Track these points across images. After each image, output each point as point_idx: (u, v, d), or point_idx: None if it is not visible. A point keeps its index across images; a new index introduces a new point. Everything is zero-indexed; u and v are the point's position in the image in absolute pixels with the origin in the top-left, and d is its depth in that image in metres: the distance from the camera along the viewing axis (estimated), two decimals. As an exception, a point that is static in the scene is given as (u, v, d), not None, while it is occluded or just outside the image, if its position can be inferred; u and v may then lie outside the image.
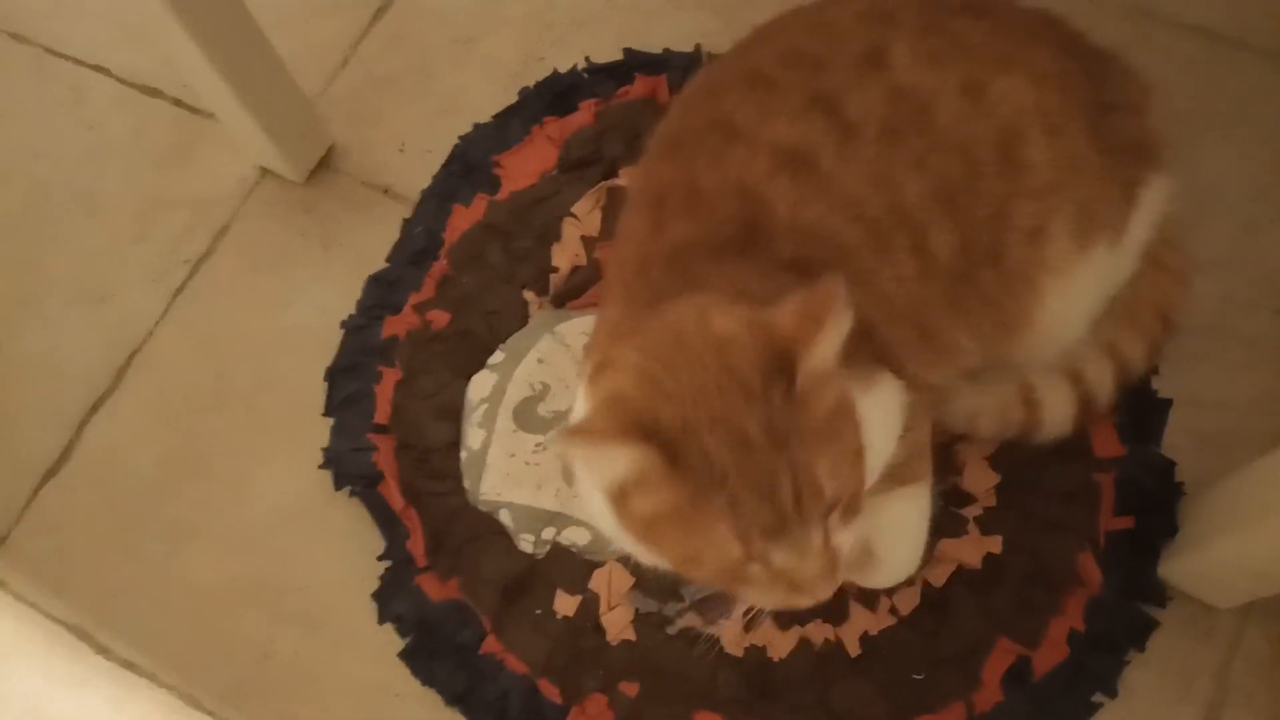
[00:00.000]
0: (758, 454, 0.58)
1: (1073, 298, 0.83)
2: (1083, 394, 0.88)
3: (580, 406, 0.70)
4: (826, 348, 0.59)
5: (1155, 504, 0.91)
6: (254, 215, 1.16)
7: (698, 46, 1.14)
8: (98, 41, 1.27)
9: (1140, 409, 0.94)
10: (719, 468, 0.58)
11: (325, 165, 1.16)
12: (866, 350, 0.70)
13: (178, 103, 1.23)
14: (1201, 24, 1.11)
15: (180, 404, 1.08)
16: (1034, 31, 0.82)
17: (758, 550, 0.60)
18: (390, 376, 1.03)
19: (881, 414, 0.73)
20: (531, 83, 1.16)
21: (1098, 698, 0.87)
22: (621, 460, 0.59)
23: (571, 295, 1.04)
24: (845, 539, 0.63)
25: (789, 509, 0.59)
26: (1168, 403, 0.94)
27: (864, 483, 0.64)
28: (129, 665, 0.97)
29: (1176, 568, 0.88)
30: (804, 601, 0.63)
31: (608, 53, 1.16)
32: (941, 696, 0.87)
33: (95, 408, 1.09)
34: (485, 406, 1.00)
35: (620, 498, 0.62)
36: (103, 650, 0.98)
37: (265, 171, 1.17)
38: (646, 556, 0.67)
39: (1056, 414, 0.88)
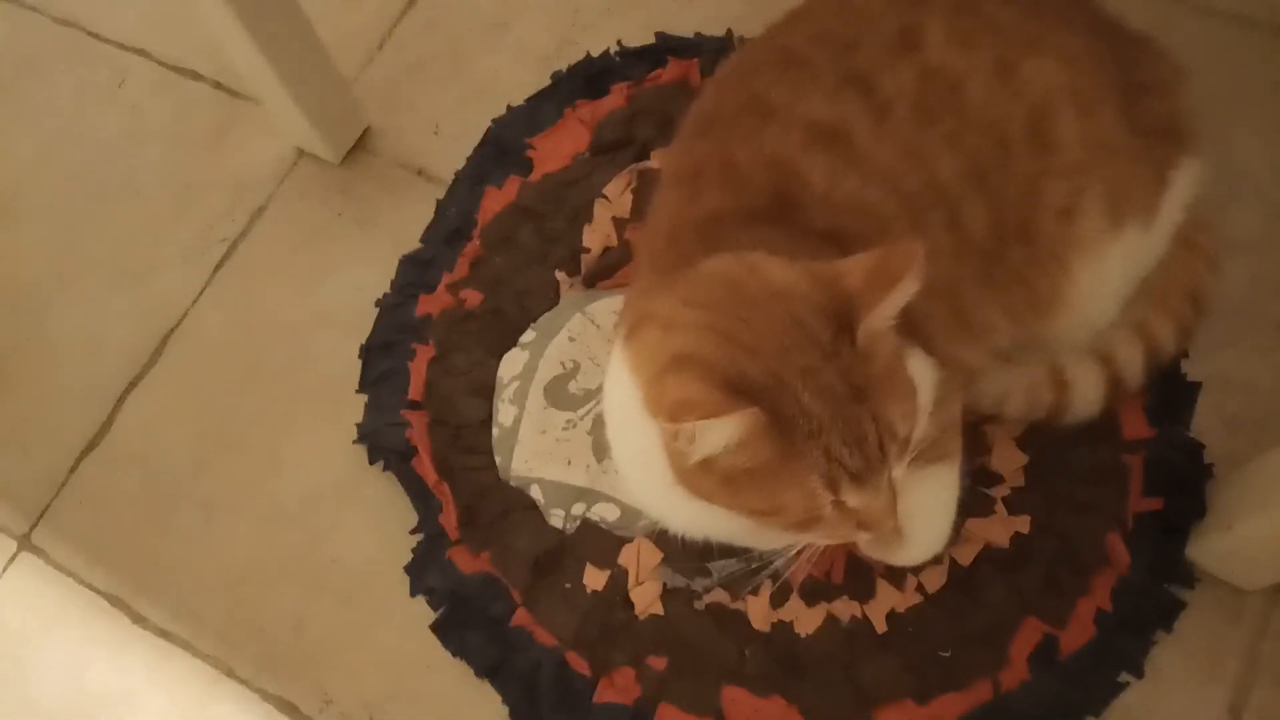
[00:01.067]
0: (845, 405, 0.60)
1: (1104, 277, 0.83)
2: (1112, 375, 0.89)
3: (617, 373, 0.70)
4: (891, 308, 0.61)
5: (1184, 485, 0.91)
6: (291, 196, 1.17)
7: (729, 31, 1.15)
8: (139, 25, 1.30)
9: (1169, 391, 0.94)
10: (816, 420, 0.60)
11: (361, 147, 1.18)
12: (899, 326, 0.71)
13: (217, 85, 1.25)
14: (1233, 9, 1.11)
15: (217, 380, 1.10)
16: (1066, 14, 0.83)
17: (843, 495, 0.62)
18: (424, 354, 1.04)
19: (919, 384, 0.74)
20: (564, 66, 1.17)
21: (1124, 677, 0.87)
22: (731, 427, 0.59)
23: (602, 275, 1.05)
24: (900, 474, 0.66)
25: (875, 455, 0.61)
26: (1196, 385, 0.95)
27: (920, 418, 0.66)
28: (165, 634, 1.00)
29: (1205, 549, 0.88)
30: (866, 536, 0.67)
31: (639, 37, 1.17)
32: (968, 674, 0.87)
33: (133, 384, 1.11)
34: (517, 384, 1.01)
35: (706, 460, 0.63)
36: (140, 619, 1.00)
37: (302, 153, 1.19)
38: (688, 522, 0.68)
39: (1086, 395, 0.89)
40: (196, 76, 1.26)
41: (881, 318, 0.61)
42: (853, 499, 0.63)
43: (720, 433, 0.59)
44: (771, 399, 0.59)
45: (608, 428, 0.77)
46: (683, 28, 1.17)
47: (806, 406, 0.59)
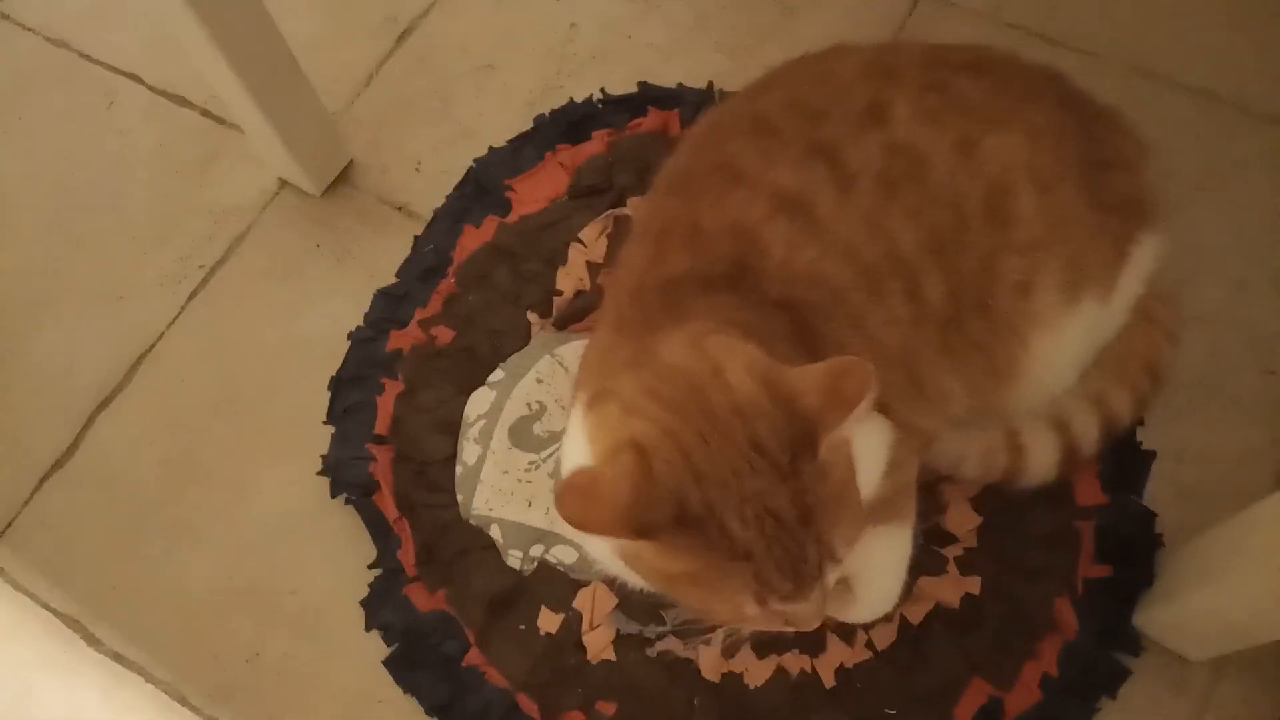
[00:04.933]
0: (787, 531, 0.61)
1: (1061, 349, 0.84)
2: (1068, 443, 0.90)
3: (575, 432, 0.72)
4: (849, 428, 0.61)
5: (1134, 554, 0.92)
6: (271, 225, 1.19)
7: (710, 83, 1.17)
8: (132, 50, 1.31)
9: (1124, 459, 0.95)
10: (744, 546, 0.60)
11: (343, 180, 1.20)
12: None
13: (205, 113, 1.26)
14: (1202, 85, 1.14)
15: (186, 406, 1.11)
16: (1034, 89, 0.85)
17: (770, 607, 0.63)
18: (392, 389, 1.05)
19: (866, 450, 0.75)
20: (547, 111, 1.19)
21: (1068, 743, 0.88)
22: (648, 549, 0.61)
23: (574, 318, 1.06)
24: (834, 578, 0.66)
25: (811, 575, 0.62)
26: (1151, 454, 0.96)
27: (862, 528, 0.67)
28: (119, 658, 1.00)
29: (1152, 618, 0.90)
30: (794, 630, 0.67)
31: (623, 85, 1.20)
32: (914, 734, 0.88)
33: (103, 406, 1.12)
34: (483, 423, 1.02)
35: (636, 554, 0.64)
36: (94, 642, 1.00)
37: (284, 184, 1.20)
38: (640, 581, 0.69)
39: (1041, 461, 0.90)
40: (185, 103, 1.27)
41: (840, 437, 0.62)
42: (781, 609, 0.64)
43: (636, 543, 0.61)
44: (702, 523, 0.60)
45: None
46: (666, 79, 1.19)
47: (738, 535, 0.60)
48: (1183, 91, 1.14)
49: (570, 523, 0.59)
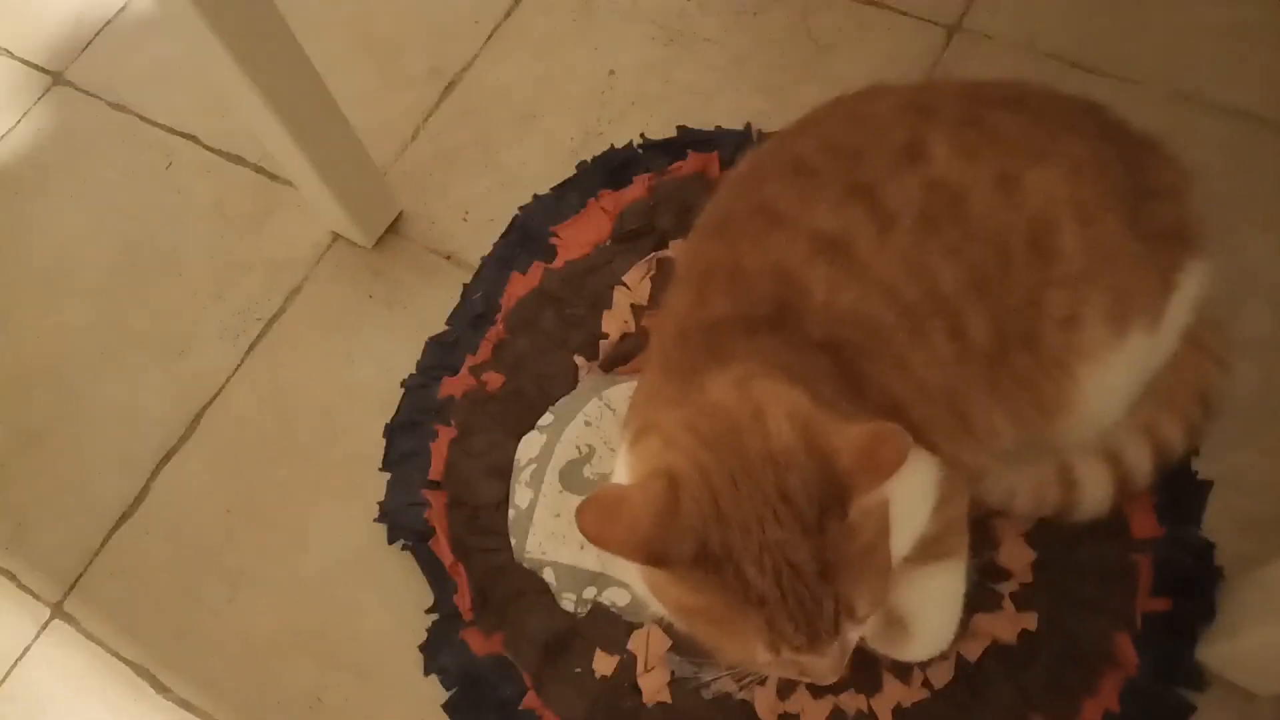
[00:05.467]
0: (804, 584, 0.61)
1: (1109, 382, 0.84)
2: (1121, 475, 0.89)
3: (621, 470, 0.73)
4: (883, 494, 0.62)
5: (1194, 586, 0.91)
6: (324, 277, 1.22)
7: (748, 125, 1.19)
8: (188, 111, 1.37)
9: (1180, 490, 0.94)
10: (759, 593, 0.61)
11: (393, 231, 1.23)
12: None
13: (259, 169, 1.31)
14: (1244, 107, 1.13)
15: (247, 455, 1.14)
16: (1072, 121, 0.85)
17: (784, 657, 0.64)
18: (445, 435, 1.07)
19: (913, 489, 0.76)
20: (589, 157, 1.21)
21: (1133, 781, 0.87)
22: (661, 577, 0.63)
23: (620, 361, 1.08)
24: (856, 636, 0.67)
25: (827, 631, 0.62)
26: (1208, 484, 0.95)
27: (888, 590, 0.67)
28: (187, 705, 1.02)
29: (1215, 652, 0.88)
30: (811, 680, 0.68)
31: (662, 129, 1.22)
32: (974, 773, 0.87)
33: (168, 457, 1.15)
34: (533, 467, 1.04)
35: (655, 581, 0.66)
36: (163, 690, 1.03)
37: (337, 236, 1.24)
38: (660, 609, 0.71)
39: (1094, 494, 0.89)
40: (240, 161, 1.32)
41: (873, 499, 0.62)
42: (796, 659, 0.64)
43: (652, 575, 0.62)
44: (719, 563, 0.61)
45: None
46: (704, 121, 1.21)
47: (753, 581, 0.61)
48: (1224, 114, 1.13)
49: (586, 536, 0.60)
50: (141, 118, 1.37)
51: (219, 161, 1.32)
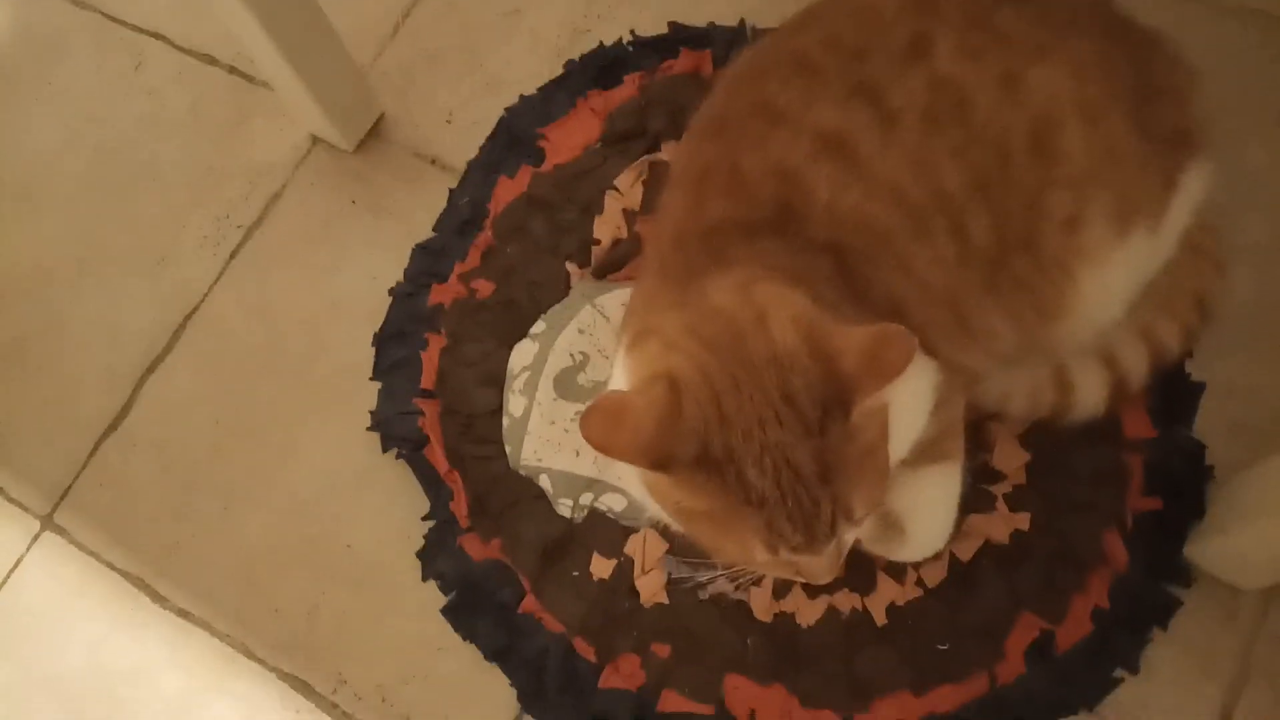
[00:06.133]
0: (803, 485, 0.61)
1: (1109, 284, 0.83)
2: (1116, 377, 0.89)
3: (619, 375, 0.72)
4: (886, 395, 0.61)
5: (1184, 486, 0.92)
6: (306, 183, 1.19)
7: (742, 21, 1.15)
8: (156, 8, 1.31)
9: (1173, 392, 0.95)
10: (759, 493, 0.61)
11: (375, 135, 1.19)
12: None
13: (233, 70, 1.26)
14: (1252, 5, 1.10)
15: (233, 367, 1.12)
16: (1077, 18, 0.82)
17: (781, 557, 0.64)
18: (436, 343, 1.06)
19: (912, 392, 0.75)
20: (577, 56, 1.17)
21: (1119, 673, 0.89)
22: (662, 480, 0.63)
23: (612, 268, 1.06)
24: (852, 537, 0.67)
25: (823, 532, 0.63)
26: (1200, 386, 0.95)
27: (885, 492, 0.67)
28: (184, 614, 1.03)
29: (1202, 549, 0.90)
30: (807, 580, 0.69)
31: (653, 27, 1.18)
32: (965, 667, 0.89)
33: (151, 369, 1.14)
34: (527, 374, 1.03)
35: (656, 484, 0.65)
36: (160, 599, 1.03)
37: (317, 140, 1.20)
38: (659, 511, 0.71)
39: (1089, 396, 0.89)
40: (212, 61, 1.27)
41: (875, 401, 0.62)
42: (792, 559, 0.65)
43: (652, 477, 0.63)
44: (720, 465, 0.61)
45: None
46: (697, 18, 1.17)
47: (754, 482, 0.61)
48: (1229, 13, 1.10)
49: (591, 444, 0.60)
50: (107, 15, 1.32)
51: (191, 63, 1.27)
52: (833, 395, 0.61)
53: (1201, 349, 0.95)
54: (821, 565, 0.66)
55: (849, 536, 0.66)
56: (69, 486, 1.09)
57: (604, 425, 0.60)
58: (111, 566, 1.05)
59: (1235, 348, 0.97)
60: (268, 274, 1.16)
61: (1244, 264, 0.95)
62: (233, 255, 1.17)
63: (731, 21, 1.16)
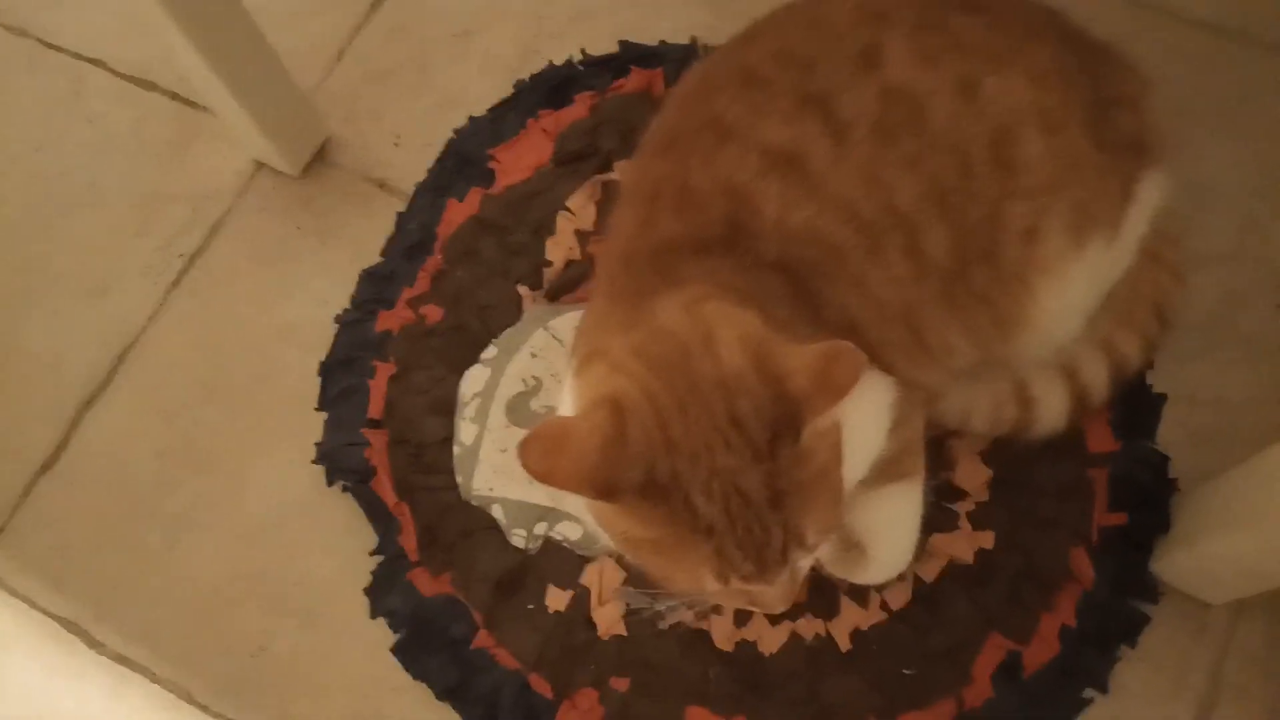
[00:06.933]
0: (753, 512, 0.59)
1: (1068, 296, 0.82)
2: (1077, 391, 0.88)
3: (567, 400, 0.70)
4: (836, 414, 0.59)
5: (1149, 500, 0.91)
6: (250, 209, 1.15)
7: (694, 39, 1.14)
8: (94, 34, 1.27)
9: (1135, 404, 0.94)
10: (707, 521, 0.59)
11: (321, 159, 1.16)
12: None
13: (174, 96, 1.23)
14: (1204, 17, 1.10)
15: (177, 398, 1.08)
16: (1033, 27, 0.81)
17: (732, 586, 0.62)
18: (384, 371, 1.03)
19: (869, 412, 0.73)
20: (527, 75, 1.15)
21: (1089, 693, 0.87)
22: (604, 508, 0.61)
23: (565, 290, 1.04)
24: (807, 564, 0.65)
25: (775, 560, 0.60)
26: (1162, 398, 0.94)
27: (840, 517, 0.65)
28: (123, 660, 0.98)
29: (1169, 564, 0.88)
30: (761, 610, 0.67)
31: (604, 46, 1.16)
32: (932, 691, 0.87)
33: (91, 402, 1.09)
34: (478, 401, 1.00)
35: (602, 513, 0.63)
36: (96, 645, 0.99)
37: (261, 165, 1.17)
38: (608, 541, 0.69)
39: (1051, 411, 0.88)
40: (153, 87, 1.23)
41: (827, 421, 0.60)
42: (744, 588, 0.62)
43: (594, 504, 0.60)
44: (666, 492, 0.58)
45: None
46: (647, 36, 1.15)
47: (701, 510, 0.59)
48: (1184, 23, 1.10)
49: (531, 473, 0.57)
50: (43, 42, 1.28)
51: (130, 88, 1.24)
52: (781, 417, 0.58)
53: (1162, 357, 0.94)
54: (775, 594, 0.63)
55: (803, 563, 0.64)
56: (2, 527, 1.05)
57: (544, 453, 0.58)
58: (46, 612, 1.01)
59: (1197, 355, 0.96)
60: (211, 302, 1.12)
61: (1202, 271, 0.95)
62: (174, 284, 1.13)
63: (683, 39, 1.14)
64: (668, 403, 0.60)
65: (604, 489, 0.58)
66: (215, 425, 1.07)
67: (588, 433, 0.59)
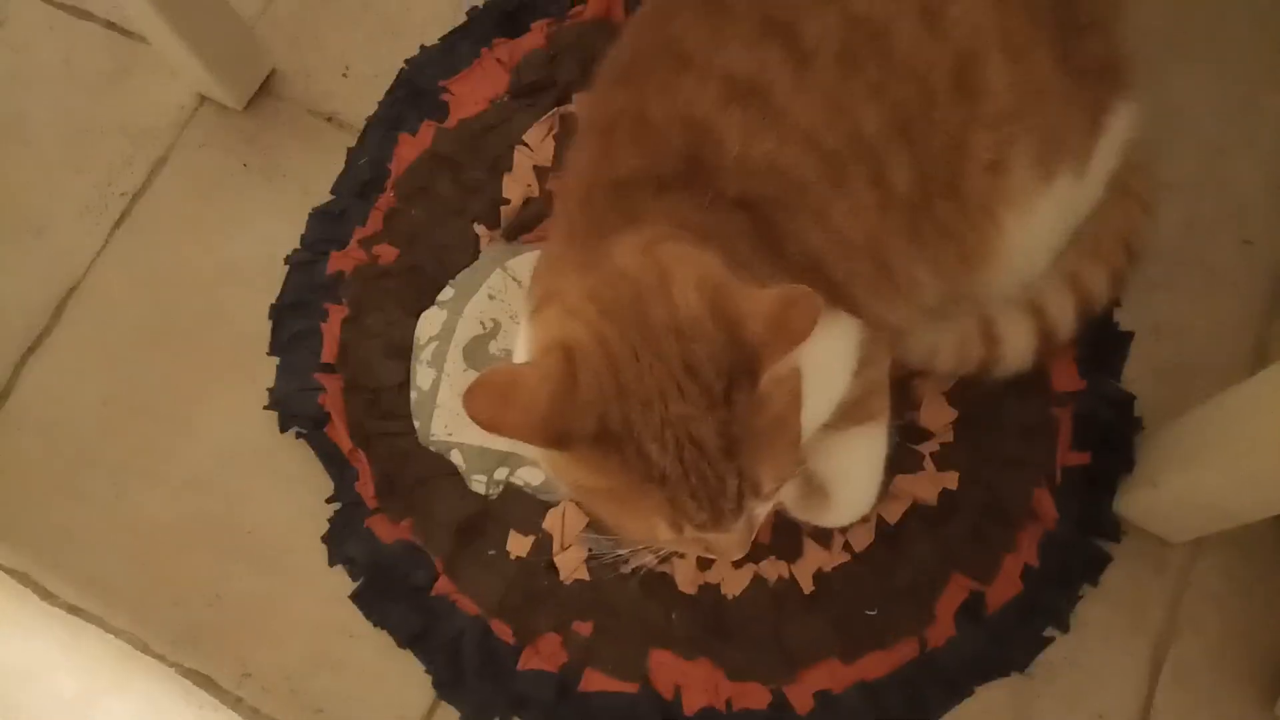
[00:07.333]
0: (707, 461, 0.57)
1: (1035, 229, 0.80)
2: (1043, 328, 0.87)
3: (521, 344, 0.68)
4: (794, 360, 0.57)
5: (1113, 439, 0.90)
6: (193, 145, 1.11)
7: (654, -37, 1.09)
8: (20, -41, 1.20)
9: (1101, 341, 0.92)
10: (660, 470, 0.57)
11: (266, 91, 1.11)
12: (820, 288, 0.68)
13: (109, 25, 1.16)
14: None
15: (122, 342, 1.05)
16: (999, -52, 0.78)
17: (687, 535, 0.60)
18: (337, 314, 1.00)
19: (834, 353, 0.72)
20: (480, 2, 1.10)
21: (1050, 632, 0.87)
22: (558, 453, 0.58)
23: (523, 229, 1.01)
24: (764, 511, 0.64)
25: (730, 508, 0.59)
26: (1129, 335, 0.93)
27: (797, 464, 0.64)
28: (76, 610, 0.96)
29: (1131, 503, 0.88)
30: (717, 557, 0.66)
31: (561, -31, 1.11)
32: (894, 631, 0.87)
33: (33, 348, 1.05)
34: (435, 345, 0.97)
35: (554, 461, 0.61)
36: (49, 596, 0.97)
37: (203, 98, 1.11)
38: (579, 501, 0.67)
39: (1016, 349, 0.87)
40: (87, 16, 1.17)
41: (784, 368, 0.58)
42: (699, 536, 0.61)
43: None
44: (618, 440, 0.57)
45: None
46: (607, -41, 1.10)
47: (654, 459, 0.57)
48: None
49: (478, 422, 0.55)
50: (-34, -33, 1.21)
51: (62, 16, 1.17)
52: (738, 363, 0.57)
53: (1128, 289, 0.92)
54: (731, 541, 0.62)
55: (760, 511, 0.63)
56: (-55, 479, 1.02)
57: (490, 401, 0.55)
58: (-5, 564, 0.98)
59: (1163, 287, 0.95)
60: (155, 243, 1.08)
61: (1171, 200, 0.93)
62: (116, 224, 1.09)
63: (644, -37, 1.10)
64: (620, 349, 0.58)
65: (554, 438, 0.56)
66: (162, 370, 1.03)
67: (537, 381, 0.57)
